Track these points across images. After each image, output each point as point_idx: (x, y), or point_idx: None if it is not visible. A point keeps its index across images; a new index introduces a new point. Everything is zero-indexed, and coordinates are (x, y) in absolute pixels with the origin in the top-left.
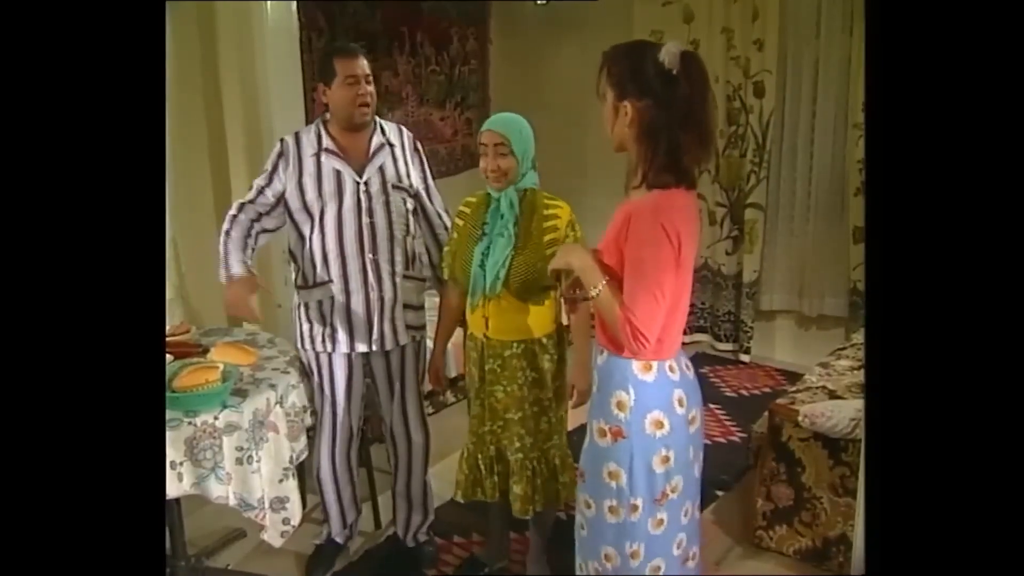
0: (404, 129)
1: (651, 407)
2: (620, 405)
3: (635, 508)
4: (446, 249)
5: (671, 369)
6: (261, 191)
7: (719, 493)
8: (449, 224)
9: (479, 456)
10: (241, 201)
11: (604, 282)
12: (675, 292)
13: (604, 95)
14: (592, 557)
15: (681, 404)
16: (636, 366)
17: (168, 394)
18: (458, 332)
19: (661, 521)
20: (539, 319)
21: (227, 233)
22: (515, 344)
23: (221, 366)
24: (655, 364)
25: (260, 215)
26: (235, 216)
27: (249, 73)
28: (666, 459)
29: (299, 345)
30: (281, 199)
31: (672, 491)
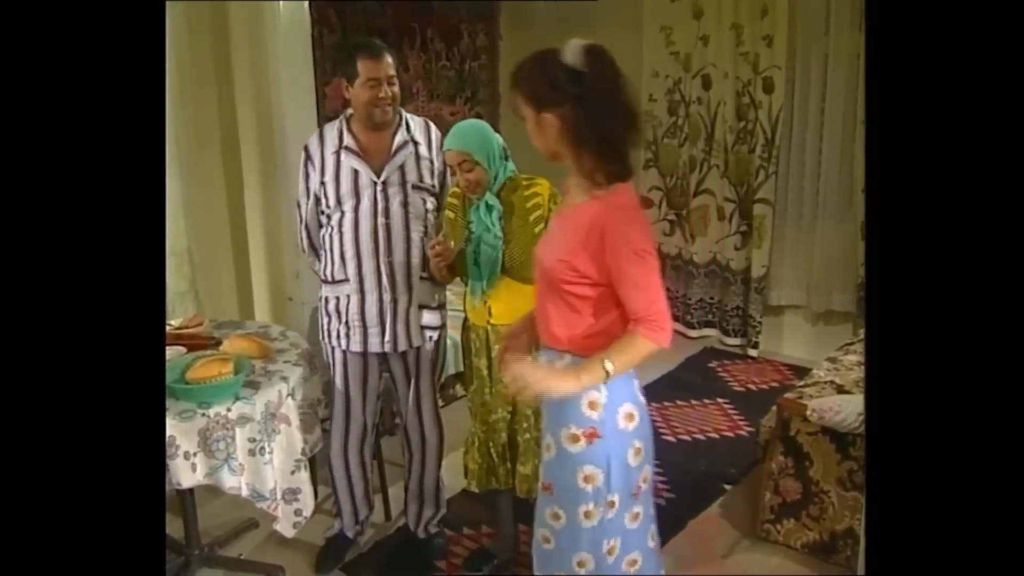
0: (432, 125)
1: (622, 401)
2: (592, 405)
3: (612, 505)
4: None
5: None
6: (307, 205)
7: (727, 487)
8: None
9: (490, 444)
10: (300, 224)
11: (604, 360)
12: None
13: (523, 114)
14: (561, 569)
15: (641, 392)
16: None
17: (181, 386)
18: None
19: (637, 515)
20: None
21: (304, 251)
22: None
23: (234, 358)
24: None
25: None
26: (304, 238)
27: (261, 69)
28: (639, 451)
29: (320, 338)
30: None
31: (644, 482)
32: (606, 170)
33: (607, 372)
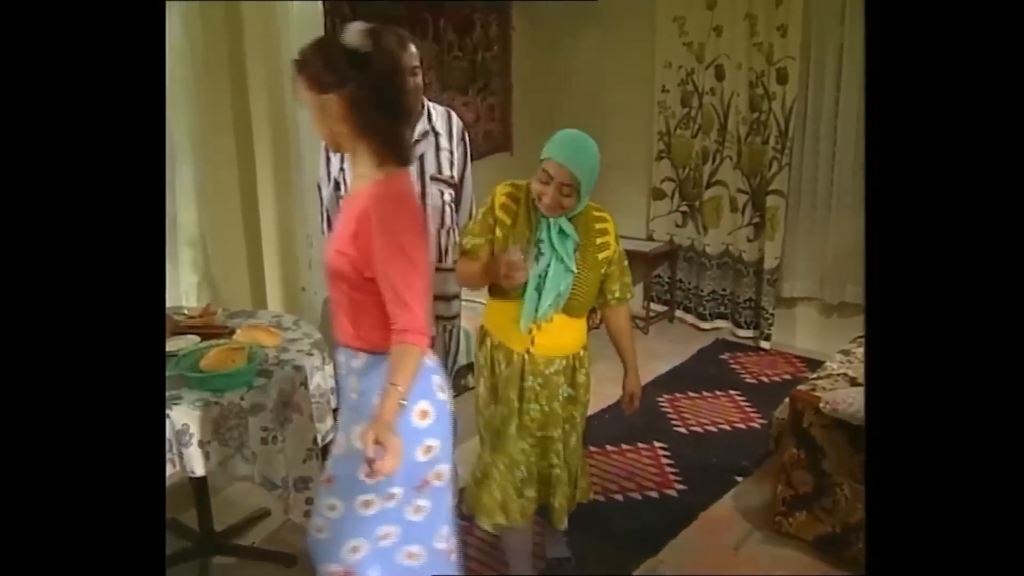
0: (454, 115)
1: (416, 399)
2: None
3: (392, 496)
4: (472, 231)
5: (428, 356)
6: (328, 189)
7: (739, 479)
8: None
9: (510, 478)
10: (320, 207)
11: (395, 387)
12: None
13: (304, 100)
14: (332, 560)
15: (442, 390)
16: None
17: (195, 374)
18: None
19: (420, 508)
20: (579, 333)
21: (324, 234)
22: (558, 360)
23: (247, 347)
24: None
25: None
26: (323, 220)
27: (274, 60)
28: (429, 448)
29: None
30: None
31: (436, 478)
32: (384, 154)
33: (401, 394)
